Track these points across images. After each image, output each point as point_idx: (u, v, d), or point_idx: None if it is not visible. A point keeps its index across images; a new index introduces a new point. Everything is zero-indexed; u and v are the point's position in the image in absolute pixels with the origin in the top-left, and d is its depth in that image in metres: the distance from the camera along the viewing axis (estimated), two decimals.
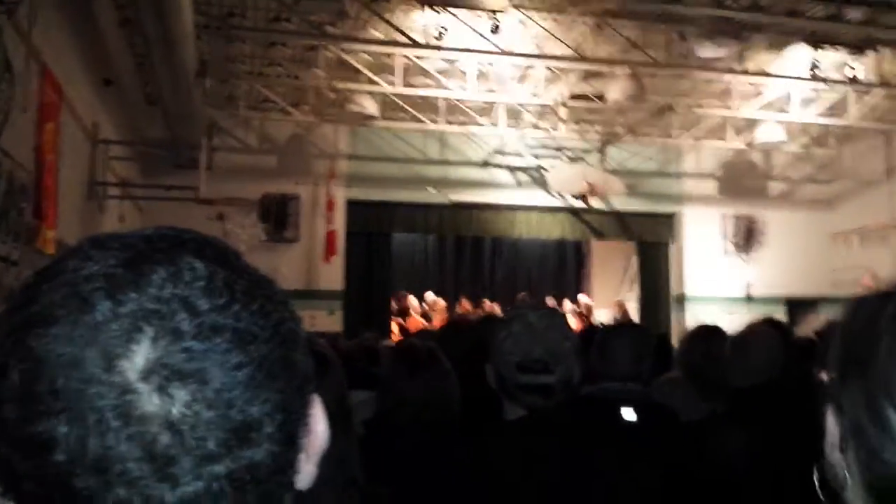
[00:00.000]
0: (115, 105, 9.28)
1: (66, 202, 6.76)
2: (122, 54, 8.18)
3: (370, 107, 11.03)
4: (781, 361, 2.69)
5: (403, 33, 8.93)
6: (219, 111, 11.68)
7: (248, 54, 10.27)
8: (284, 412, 0.54)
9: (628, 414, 2.27)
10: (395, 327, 12.80)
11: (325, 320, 12.08)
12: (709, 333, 3.50)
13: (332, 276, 12.54)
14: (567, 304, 14.98)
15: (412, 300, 13.68)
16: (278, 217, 12.29)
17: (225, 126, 12.24)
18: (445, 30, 8.77)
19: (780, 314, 13.93)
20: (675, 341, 8.47)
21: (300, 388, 0.57)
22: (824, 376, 0.80)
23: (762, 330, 2.84)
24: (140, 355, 0.50)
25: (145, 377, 0.50)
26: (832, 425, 0.78)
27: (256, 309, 0.55)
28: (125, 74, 8.60)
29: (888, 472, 0.71)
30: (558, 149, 13.54)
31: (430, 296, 14.21)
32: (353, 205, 12.92)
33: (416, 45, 9.04)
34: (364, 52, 10.03)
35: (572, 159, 13.53)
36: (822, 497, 0.78)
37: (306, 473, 0.59)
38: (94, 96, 8.29)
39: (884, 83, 10.38)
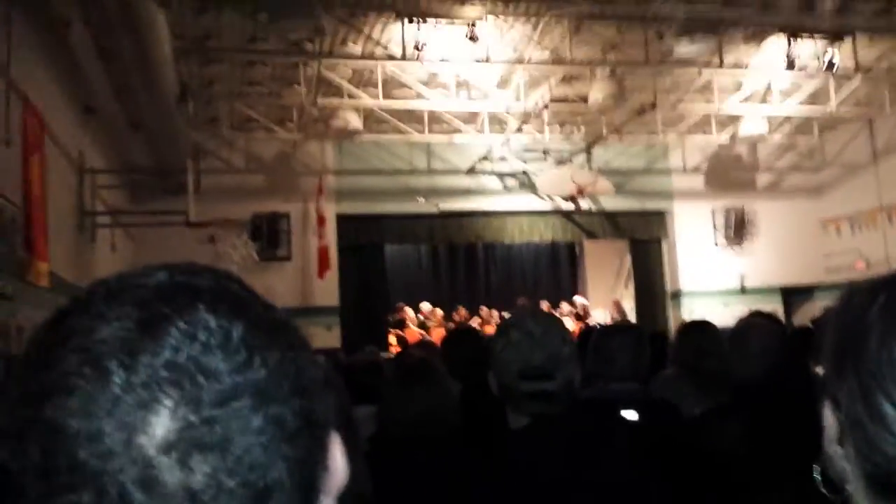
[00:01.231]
0: (100, 133, 9.27)
1: (56, 234, 6.74)
2: (102, 82, 8.18)
3: (354, 121, 11.05)
4: (780, 353, 2.71)
5: (383, 46, 8.96)
6: (203, 134, 11.69)
7: (227, 75, 10.28)
8: (304, 466, 0.54)
9: (630, 415, 2.28)
10: (393, 339, 12.78)
11: (323, 336, 12.05)
12: (700, 328, 3.53)
13: (328, 291, 12.52)
14: (564, 307, 15.00)
15: (409, 311, 13.66)
16: (270, 236, 12.25)
17: (210, 148, 12.24)
18: (424, 42, 8.79)
19: (776, 304, 14.00)
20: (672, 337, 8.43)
21: (320, 437, 0.57)
22: (820, 370, 0.81)
23: (760, 322, 2.86)
24: (159, 427, 0.49)
25: (166, 451, 0.49)
26: (830, 419, 0.78)
27: (275, 364, 0.54)
28: (107, 102, 8.60)
29: (888, 465, 0.71)
30: (544, 152, 13.59)
31: (425, 306, 14.19)
32: (343, 219, 12.92)
33: (395, 58, 9.06)
34: (344, 66, 10.05)
35: (559, 162, 13.57)
36: (823, 491, 0.78)
37: None
38: (78, 126, 8.28)
39: (862, 69, 10.46)
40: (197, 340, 0.52)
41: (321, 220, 12.21)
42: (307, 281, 12.52)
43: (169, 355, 0.51)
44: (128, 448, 0.49)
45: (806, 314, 13.87)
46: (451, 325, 13.89)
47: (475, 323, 14.23)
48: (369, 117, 11.76)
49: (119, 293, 0.54)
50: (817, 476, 0.79)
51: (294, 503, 0.54)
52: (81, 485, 0.49)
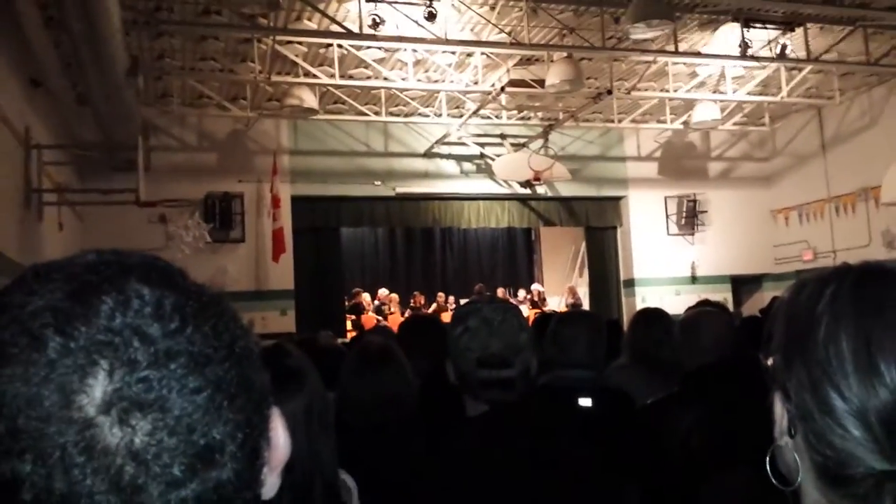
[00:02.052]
0: (47, 108, 9.01)
1: (2, 211, 6.56)
2: (49, 55, 7.93)
3: (309, 99, 10.93)
4: (729, 342, 2.78)
5: (338, 23, 8.85)
6: (153, 109, 11.44)
7: (179, 49, 10.06)
8: (246, 430, 0.55)
9: (584, 401, 2.32)
10: (349, 325, 12.75)
11: (278, 321, 11.97)
12: (651, 317, 3.59)
13: (282, 275, 12.41)
14: (520, 293, 15.13)
15: (366, 296, 13.64)
16: (223, 217, 12.09)
17: (161, 125, 12.00)
18: (381, 19, 8.71)
19: (726, 292, 14.32)
20: (625, 325, 8.60)
21: (259, 404, 0.58)
22: (769, 362, 0.81)
23: (709, 312, 2.92)
24: (97, 389, 0.50)
25: (105, 410, 0.50)
26: (779, 410, 0.79)
27: (209, 330, 0.55)
28: (53, 75, 8.34)
29: (837, 456, 0.72)
30: (502, 136, 13.63)
31: (383, 291, 14.19)
32: (298, 201, 12.80)
33: (351, 35, 8.96)
34: (299, 43, 9.92)
35: (516, 146, 13.64)
36: (774, 481, 0.79)
37: (270, 485, 0.61)
38: (24, 100, 8.03)
39: (813, 59, 10.70)
40: (130, 308, 0.53)
41: (276, 202, 12.08)
42: (261, 264, 12.39)
43: (104, 322, 0.52)
44: (66, 410, 0.50)
45: (755, 303, 14.22)
46: (408, 311, 13.94)
47: (432, 309, 14.29)
48: (325, 96, 11.65)
49: (50, 272, 0.55)
50: (767, 467, 0.80)
51: (238, 468, 0.55)
52: (22, 451, 0.49)
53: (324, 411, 1.66)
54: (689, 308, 3.01)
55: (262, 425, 0.58)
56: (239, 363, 0.56)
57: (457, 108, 12.42)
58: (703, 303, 3.20)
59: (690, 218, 14.54)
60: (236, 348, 0.57)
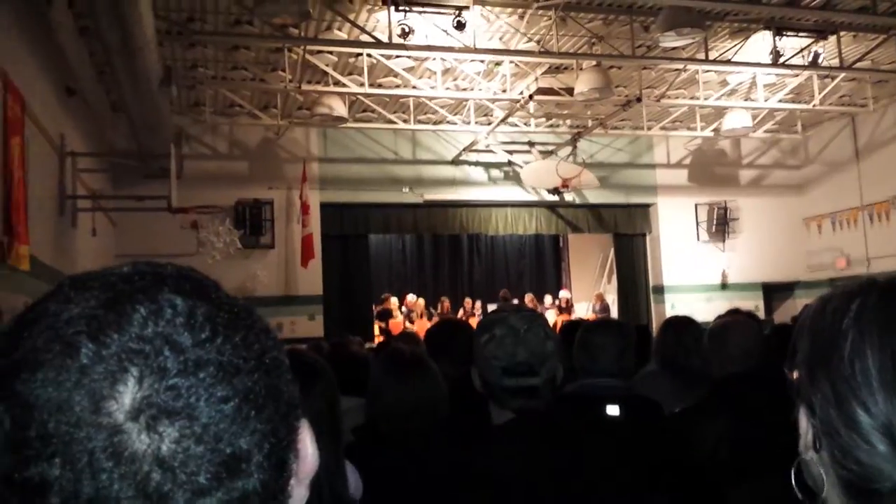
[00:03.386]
0: (81, 116, 9.18)
1: (37, 217, 6.68)
2: (83, 63, 8.08)
3: (339, 108, 11.02)
4: (758, 351, 2.75)
5: (368, 33, 8.92)
6: (186, 118, 11.61)
7: (211, 59, 10.20)
8: (273, 441, 0.56)
9: (612, 410, 2.31)
10: (377, 330, 12.80)
11: (306, 326, 12.06)
12: (681, 324, 3.56)
13: (311, 280, 12.51)
14: (547, 299, 15.08)
15: (394, 301, 13.70)
16: (253, 223, 12.22)
17: (193, 133, 12.17)
18: (410, 28, 8.76)
19: (758, 300, 14.15)
20: (654, 331, 8.51)
21: (287, 415, 0.58)
22: (794, 376, 0.81)
23: (739, 320, 2.90)
24: (127, 395, 0.51)
25: (133, 417, 0.50)
26: (804, 424, 0.79)
27: (239, 341, 0.56)
28: (88, 84, 8.50)
29: (863, 471, 0.72)
30: (530, 144, 13.63)
31: (410, 297, 14.23)
32: (327, 207, 12.90)
33: (381, 44, 9.02)
34: (329, 52, 10.01)
35: (544, 154, 13.62)
36: (799, 495, 0.79)
37: (298, 497, 0.60)
38: (59, 108, 8.19)
39: (846, 67, 10.55)
40: (162, 317, 0.54)
41: (305, 208, 12.20)
42: (290, 269, 12.50)
43: (136, 330, 0.53)
44: (96, 415, 0.50)
45: (787, 311, 14.03)
46: (435, 316, 13.96)
47: (458, 314, 14.29)
48: (354, 105, 11.73)
49: (86, 282, 0.57)
50: (793, 480, 0.80)
51: (264, 478, 0.55)
52: (52, 455, 0.50)
53: (334, 419, 1.65)
54: (719, 316, 2.98)
55: (289, 436, 0.58)
56: (268, 374, 0.57)
57: (485, 115, 12.44)
58: (734, 311, 3.16)
59: (721, 225, 14.42)
60: (266, 359, 0.57)
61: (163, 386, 0.52)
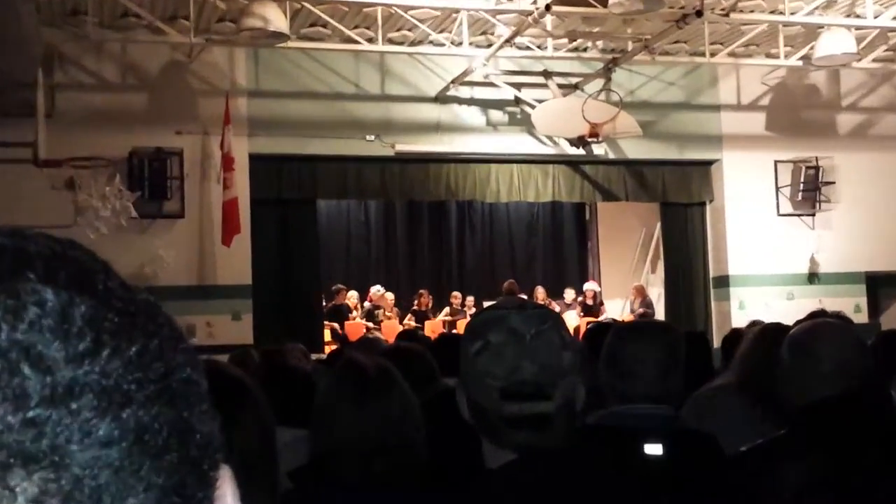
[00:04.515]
0: None
1: None
2: None
3: (276, 20, 10.93)
4: (859, 367, 2.77)
5: None
6: (60, 32, 11.49)
7: None
8: (178, 501, 0.54)
9: (653, 448, 2.33)
10: (328, 334, 12.81)
11: (228, 328, 12.04)
12: (780, 333, 3.57)
13: (236, 264, 12.47)
14: (568, 294, 15.13)
15: (351, 296, 13.69)
16: (154, 182, 12.15)
17: (70, 54, 12.05)
18: None
19: (860, 296, 14.24)
20: (716, 341, 8.62)
21: (199, 462, 0.56)
22: None
23: (830, 325, 2.92)
24: None
25: None
26: None
27: (134, 355, 0.54)
28: None
29: None
30: (546, 74, 13.60)
31: (375, 289, 14.22)
32: (259, 161, 12.86)
33: None
34: None
35: (565, 89, 13.60)
36: None
37: None
38: None
39: None
40: (22, 318, 0.52)
41: (228, 162, 12.12)
42: (207, 249, 12.47)
43: None
44: None
45: None
46: (410, 316, 13.97)
47: (443, 313, 14.32)
48: (298, 15, 11.66)
49: None
50: None
51: None
52: None
53: (267, 460, 1.66)
54: (800, 321, 3.01)
55: (202, 492, 0.56)
56: (173, 404, 0.55)
57: (483, 34, 12.41)
58: (819, 313, 3.18)
59: (811, 192, 14.47)
60: (172, 382, 0.56)
61: (18, 419, 0.50)
